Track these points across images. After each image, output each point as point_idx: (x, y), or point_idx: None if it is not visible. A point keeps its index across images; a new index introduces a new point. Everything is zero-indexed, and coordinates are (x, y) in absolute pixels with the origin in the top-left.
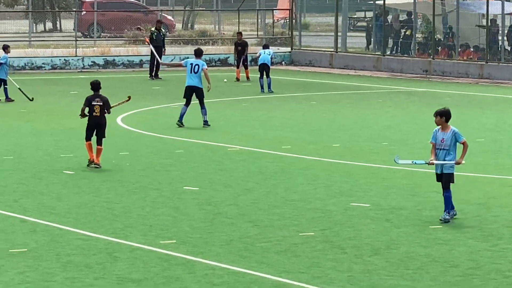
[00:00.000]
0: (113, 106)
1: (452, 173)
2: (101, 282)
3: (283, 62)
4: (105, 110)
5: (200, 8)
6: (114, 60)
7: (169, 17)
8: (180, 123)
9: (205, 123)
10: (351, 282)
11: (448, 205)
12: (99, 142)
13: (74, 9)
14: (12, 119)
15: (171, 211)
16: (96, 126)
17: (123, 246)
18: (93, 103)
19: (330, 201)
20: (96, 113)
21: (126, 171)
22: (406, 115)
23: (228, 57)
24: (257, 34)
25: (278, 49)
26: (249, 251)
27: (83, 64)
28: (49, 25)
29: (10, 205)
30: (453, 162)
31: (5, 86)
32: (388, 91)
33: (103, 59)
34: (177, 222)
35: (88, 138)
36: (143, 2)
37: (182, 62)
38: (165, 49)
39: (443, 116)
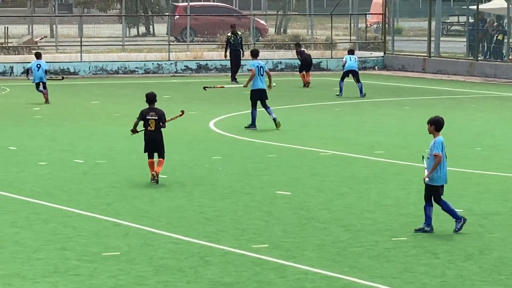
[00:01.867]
0: (167, 121)
1: (431, 186)
2: (193, 286)
3: (376, 67)
4: (160, 124)
5: (293, 13)
6: (207, 64)
7: (262, 22)
8: (253, 127)
9: (275, 120)
10: (444, 287)
11: (426, 218)
12: (161, 156)
13: (167, 14)
14: (105, 123)
15: (264, 215)
16: (152, 143)
17: (215, 250)
18: (147, 117)
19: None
20: (151, 127)
21: (218, 175)
22: (500, 120)
23: (321, 61)
24: (350, 39)
25: (371, 53)
26: (342, 256)
27: (176, 68)
28: (142, 29)
29: (103, 208)
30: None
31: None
32: (481, 96)
33: (196, 63)
34: (270, 226)
35: (149, 155)
36: (235, 6)
37: (253, 68)
38: (243, 52)
39: (433, 124)
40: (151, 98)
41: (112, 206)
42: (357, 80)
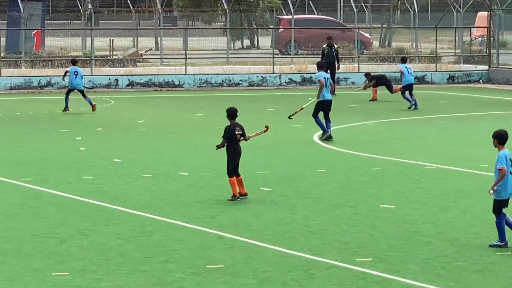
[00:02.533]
0: (250, 137)
1: (495, 200)
2: None
3: (481, 80)
4: (243, 138)
5: (397, 26)
6: (311, 77)
7: (366, 35)
8: (326, 132)
9: (331, 137)
10: None
11: (499, 232)
12: (236, 173)
13: (272, 27)
14: (210, 136)
15: (367, 228)
16: (239, 158)
17: (319, 263)
18: (236, 132)
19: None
20: (237, 142)
21: (323, 188)
22: None
23: (425, 74)
24: (455, 52)
25: (476, 67)
26: (446, 270)
27: (280, 81)
28: (246, 42)
29: (207, 221)
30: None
31: (67, 96)
32: None
33: (300, 76)
34: (374, 240)
35: (233, 173)
36: (340, 19)
37: (321, 78)
38: (338, 66)
39: (496, 138)
40: (234, 114)
41: (216, 219)
42: (411, 93)
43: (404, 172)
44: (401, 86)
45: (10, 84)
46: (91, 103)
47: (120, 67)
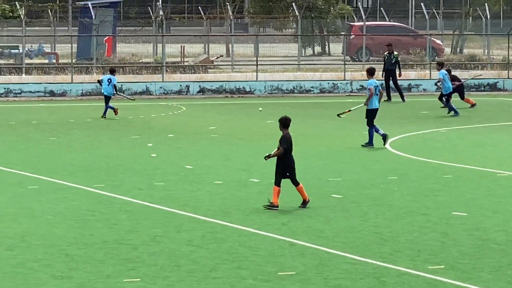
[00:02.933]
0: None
1: None
2: None
3: None
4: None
5: (469, 33)
6: (382, 84)
7: (438, 41)
8: (370, 145)
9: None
10: None
11: None
12: (295, 182)
13: (343, 33)
14: None
15: (439, 236)
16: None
17: (391, 270)
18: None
19: None
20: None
21: (394, 195)
22: None
23: (497, 81)
24: None
25: None
26: None
27: (351, 88)
28: (317, 48)
29: (278, 228)
30: None
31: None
32: None
33: None
34: (445, 247)
35: (279, 182)
36: (411, 26)
37: (371, 87)
38: (400, 72)
39: None
40: (288, 123)
41: (287, 226)
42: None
43: (476, 179)
44: (445, 94)
45: (82, 90)
46: (113, 109)
47: (191, 73)
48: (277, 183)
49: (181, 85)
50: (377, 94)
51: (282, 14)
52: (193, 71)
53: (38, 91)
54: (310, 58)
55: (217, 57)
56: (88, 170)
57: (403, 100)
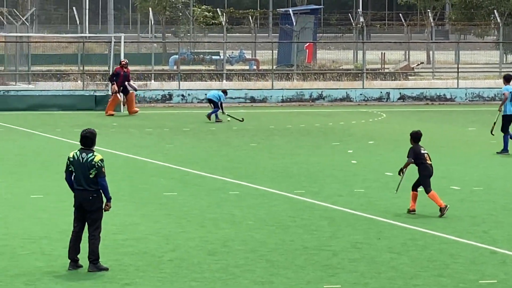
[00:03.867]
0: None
1: None
2: None
3: None
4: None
5: None
6: None
7: None
8: (505, 152)
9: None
10: None
11: None
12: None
13: None
14: (482, 150)
15: None
16: (431, 174)
17: None
18: (422, 151)
19: None
20: (428, 161)
21: None
22: None
23: None
24: None
25: None
26: None
27: None
28: None
29: (480, 236)
30: None
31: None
32: None
33: None
34: None
35: (417, 189)
36: None
37: (506, 92)
38: None
39: None
40: (419, 137)
41: (488, 234)
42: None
43: None
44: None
45: (282, 96)
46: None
47: (392, 80)
48: (427, 191)
49: (381, 92)
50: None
51: (484, 21)
52: (393, 78)
53: (239, 97)
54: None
55: (418, 64)
56: (288, 176)
57: None
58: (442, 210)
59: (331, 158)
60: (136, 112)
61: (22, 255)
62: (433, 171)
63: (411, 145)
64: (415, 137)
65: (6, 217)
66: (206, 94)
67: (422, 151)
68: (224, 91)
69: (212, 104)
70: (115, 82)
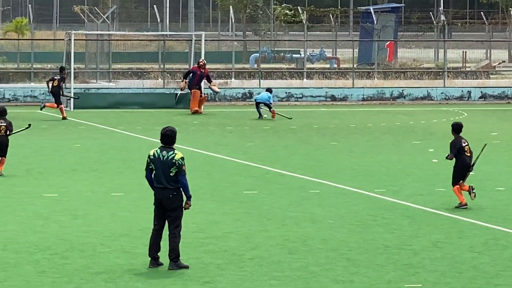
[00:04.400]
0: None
1: None
2: None
3: None
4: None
5: None
6: None
7: None
8: None
9: None
10: None
11: None
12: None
13: None
14: None
15: None
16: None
17: None
18: (463, 144)
19: None
20: (467, 153)
21: None
22: None
23: None
24: None
25: None
26: None
27: None
28: None
29: None
30: None
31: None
32: None
33: None
34: None
35: (457, 182)
36: None
37: None
38: None
39: None
40: (459, 128)
41: None
42: None
43: None
44: None
45: (363, 95)
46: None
47: (473, 79)
48: (454, 184)
49: (462, 91)
50: None
51: None
52: (474, 76)
53: (319, 96)
54: None
55: (499, 63)
56: (369, 175)
57: None
58: (460, 205)
59: (412, 157)
60: (199, 112)
61: (102, 253)
62: (472, 161)
63: (453, 137)
64: (457, 128)
65: (87, 214)
66: (255, 99)
67: (463, 144)
68: (270, 90)
69: (260, 106)
70: (187, 80)
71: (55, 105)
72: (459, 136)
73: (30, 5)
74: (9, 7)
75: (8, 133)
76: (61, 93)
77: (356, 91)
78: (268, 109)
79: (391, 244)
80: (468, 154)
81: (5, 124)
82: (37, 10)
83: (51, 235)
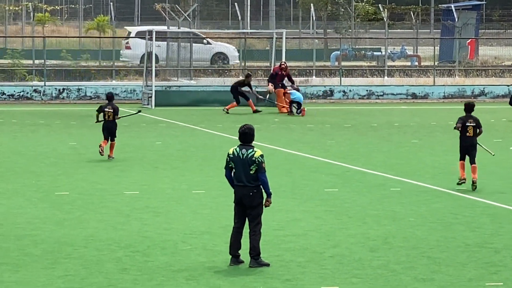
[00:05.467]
0: None
1: None
2: None
3: None
4: None
5: None
6: None
7: None
8: None
9: None
10: None
11: None
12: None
13: None
14: None
15: None
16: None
17: None
18: (467, 123)
19: None
20: (469, 133)
21: None
22: None
23: None
24: None
25: None
26: None
27: None
28: None
29: None
30: None
31: None
32: None
33: None
34: None
35: (461, 158)
36: None
37: None
38: None
39: None
40: (471, 108)
41: None
42: None
43: None
44: None
45: (444, 93)
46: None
47: None
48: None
49: None
50: None
51: None
52: None
53: (400, 93)
54: None
55: None
56: (450, 173)
57: None
58: (459, 182)
59: (494, 156)
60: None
61: (184, 250)
62: (473, 142)
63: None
64: (467, 108)
65: (168, 212)
66: (294, 98)
67: (467, 123)
68: (297, 89)
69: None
70: (272, 83)
71: None
72: (469, 115)
73: (111, 3)
74: (91, 5)
75: (115, 117)
76: None
77: (437, 89)
78: (297, 107)
79: (472, 243)
80: (471, 135)
81: (111, 110)
82: (118, 8)
83: (133, 233)
